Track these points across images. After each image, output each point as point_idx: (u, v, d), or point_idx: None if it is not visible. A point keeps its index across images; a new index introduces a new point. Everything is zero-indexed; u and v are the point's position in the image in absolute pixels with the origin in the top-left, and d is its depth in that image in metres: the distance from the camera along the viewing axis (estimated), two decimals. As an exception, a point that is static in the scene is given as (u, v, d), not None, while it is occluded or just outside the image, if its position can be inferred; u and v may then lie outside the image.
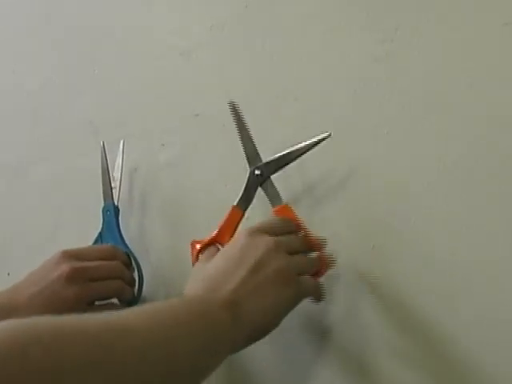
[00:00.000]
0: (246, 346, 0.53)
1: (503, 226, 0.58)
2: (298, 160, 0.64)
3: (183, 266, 0.69)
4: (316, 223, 0.65)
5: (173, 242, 0.75)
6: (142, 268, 0.72)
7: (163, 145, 0.77)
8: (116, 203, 0.73)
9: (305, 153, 0.64)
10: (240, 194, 0.65)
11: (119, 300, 0.68)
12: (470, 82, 0.61)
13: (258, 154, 0.66)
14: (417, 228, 0.62)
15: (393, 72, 0.65)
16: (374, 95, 0.66)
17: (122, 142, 0.75)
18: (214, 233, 0.64)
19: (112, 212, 0.73)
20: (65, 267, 0.63)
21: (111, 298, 0.67)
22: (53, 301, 0.62)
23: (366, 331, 0.62)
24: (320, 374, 0.63)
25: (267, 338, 0.54)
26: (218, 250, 0.63)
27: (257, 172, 0.65)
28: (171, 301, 0.51)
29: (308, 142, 0.63)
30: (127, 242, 0.73)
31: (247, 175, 0.65)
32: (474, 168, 0.60)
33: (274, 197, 0.64)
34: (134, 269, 0.71)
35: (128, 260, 0.70)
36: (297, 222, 0.62)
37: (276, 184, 0.65)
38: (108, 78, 0.84)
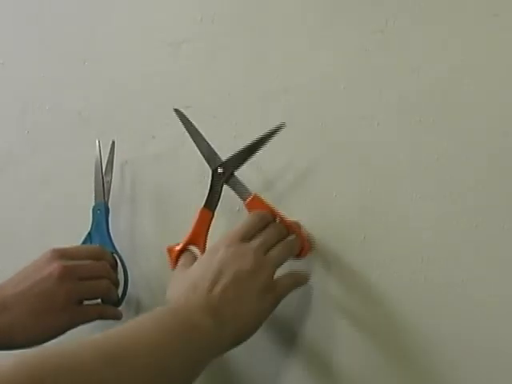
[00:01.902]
0: (229, 349, 0.55)
1: (495, 218, 0.59)
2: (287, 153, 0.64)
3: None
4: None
5: (162, 239, 0.74)
6: (130, 267, 0.72)
7: (154, 137, 0.77)
8: (107, 203, 0.73)
9: (262, 145, 0.65)
10: (206, 195, 0.65)
11: (104, 300, 0.68)
12: (461, 73, 0.62)
13: (215, 153, 0.66)
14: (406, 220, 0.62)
15: (383, 64, 0.65)
16: (364, 87, 0.66)
17: (112, 141, 0.75)
18: (187, 237, 0.65)
19: (103, 211, 0.73)
20: (56, 265, 0.63)
21: (99, 297, 0.68)
22: (42, 298, 0.61)
23: (356, 323, 0.63)
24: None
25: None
26: (194, 254, 0.65)
27: (219, 170, 0.65)
28: (156, 311, 0.52)
29: (264, 134, 0.65)
30: (116, 238, 0.73)
31: (210, 175, 0.66)
32: (467, 158, 0.60)
33: (241, 191, 0.65)
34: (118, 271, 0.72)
35: (114, 261, 0.71)
36: (270, 210, 0.63)
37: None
38: (98, 70, 0.83)
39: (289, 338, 0.66)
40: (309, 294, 0.65)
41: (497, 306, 0.58)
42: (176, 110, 0.68)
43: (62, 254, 0.65)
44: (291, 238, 0.63)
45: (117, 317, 0.68)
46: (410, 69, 0.64)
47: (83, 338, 0.48)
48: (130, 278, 0.72)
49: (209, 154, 0.67)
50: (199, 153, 0.67)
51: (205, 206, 0.65)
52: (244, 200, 0.65)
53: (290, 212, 0.66)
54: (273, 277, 0.58)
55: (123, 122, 0.80)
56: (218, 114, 0.74)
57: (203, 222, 0.65)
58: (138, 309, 0.74)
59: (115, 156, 0.76)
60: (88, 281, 0.65)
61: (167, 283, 0.61)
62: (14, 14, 0.91)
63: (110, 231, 0.73)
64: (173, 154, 0.76)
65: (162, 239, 0.74)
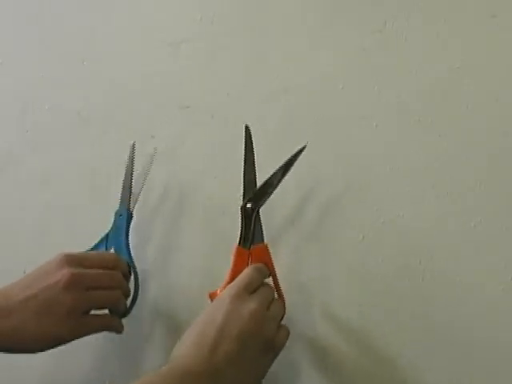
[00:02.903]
0: None
1: (495, 217, 0.59)
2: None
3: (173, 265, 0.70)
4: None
5: (161, 238, 0.74)
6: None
7: (153, 137, 0.77)
8: (131, 210, 0.71)
9: (288, 171, 0.63)
10: (239, 233, 0.63)
11: (111, 311, 0.66)
12: (459, 73, 0.62)
13: (255, 185, 0.64)
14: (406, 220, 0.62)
15: (382, 64, 0.65)
16: (363, 87, 0.66)
17: (132, 143, 0.73)
18: (227, 279, 0.62)
19: (125, 217, 0.70)
20: (65, 272, 0.61)
21: (107, 308, 0.65)
22: (46, 306, 0.59)
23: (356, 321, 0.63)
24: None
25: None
26: None
27: (248, 205, 0.64)
28: (159, 375, 0.51)
29: (287, 160, 0.63)
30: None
31: (240, 212, 0.64)
32: (466, 158, 0.61)
33: (257, 233, 0.63)
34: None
35: (128, 271, 0.68)
36: (269, 266, 0.62)
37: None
38: (97, 69, 0.83)
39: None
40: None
41: (496, 305, 0.58)
42: (246, 127, 0.65)
43: (73, 260, 0.63)
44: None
45: (118, 330, 0.66)
46: (409, 69, 0.64)
47: None
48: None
49: (249, 184, 0.64)
50: (242, 178, 0.65)
51: (241, 244, 0.63)
52: (255, 243, 0.63)
53: (289, 212, 0.66)
54: (274, 334, 0.57)
55: (123, 121, 0.80)
56: (216, 114, 0.74)
57: (242, 262, 0.62)
58: (152, 320, 0.73)
59: (114, 155, 0.75)
60: (96, 290, 0.63)
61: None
62: (14, 14, 0.91)
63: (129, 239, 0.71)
64: (171, 154, 0.76)
65: (160, 238, 0.74)
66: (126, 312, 0.67)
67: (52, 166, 0.82)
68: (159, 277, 0.71)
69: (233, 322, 0.55)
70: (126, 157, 0.75)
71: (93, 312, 0.63)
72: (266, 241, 0.62)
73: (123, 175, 0.72)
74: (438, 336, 0.60)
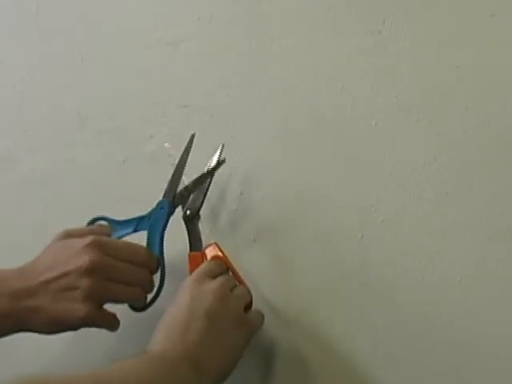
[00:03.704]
0: None
1: (494, 217, 0.59)
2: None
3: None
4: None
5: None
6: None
7: (152, 136, 0.77)
8: (175, 205, 0.67)
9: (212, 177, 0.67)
10: (188, 241, 0.66)
11: (129, 305, 0.64)
12: (458, 73, 0.62)
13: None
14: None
15: (381, 63, 0.65)
16: (361, 87, 0.66)
17: (220, 145, 0.68)
18: None
19: (166, 210, 0.66)
20: (87, 258, 0.59)
21: (124, 303, 0.63)
22: (65, 290, 0.59)
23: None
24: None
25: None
26: None
27: (187, 213, 0.67)
28: (135, 359, 0.52)
29: (208, 170, 0.67)
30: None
31: (183, 221, 0.66)
32: (465, 157, 0.61)
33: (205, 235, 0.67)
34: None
35: (157, 269, 0.65)
36: (224, 261, 0.64)
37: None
38: (96, 68, 0.83)
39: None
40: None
41: (495, 304, 0.58)
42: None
43: (101, 246, 0.60)
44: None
45: (112, 329, 0.65)
46: (408, 69, 0.64)
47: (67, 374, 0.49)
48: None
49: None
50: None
51: (192, 249, 0.66)
52: (202, 246, 0.66)
53: (288, 209, 0.66)
54: (242, 312, 0.59)
55: (121, 121, 0.80)
56: (215, 114, 0.74)
57: (198, 265, 0.63)
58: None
59: (112, 154, 0.75)
60: (117, 284, 0.61)
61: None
62: (12, 13, 0.91)
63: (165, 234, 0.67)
64: (170, 153, 0.76)
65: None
66: (144, 307, 0.64)
67: (51, 166, 0.82)
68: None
69: (198, 303, 0.57)
70: (124, 156, 0.75)
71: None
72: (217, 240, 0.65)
73: (122, 175, 0.72)
74: (438, 336, 0.60)
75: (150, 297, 0.64)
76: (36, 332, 0.61)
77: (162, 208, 0.66)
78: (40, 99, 0.85)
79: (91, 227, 0.68)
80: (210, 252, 0.65)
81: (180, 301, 0.58)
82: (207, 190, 0.67)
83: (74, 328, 0.61)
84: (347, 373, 0.62)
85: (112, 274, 0.60)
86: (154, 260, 0.64)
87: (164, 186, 0.75)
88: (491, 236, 0.59)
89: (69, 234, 0.64)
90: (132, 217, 0.67)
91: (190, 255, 0.65)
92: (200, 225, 0.67)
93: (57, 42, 0.87)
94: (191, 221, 0.67)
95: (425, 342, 0.60)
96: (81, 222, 0.75)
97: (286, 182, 0.68)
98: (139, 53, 0.81)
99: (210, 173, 0.67)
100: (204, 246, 0.66)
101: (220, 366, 0.56)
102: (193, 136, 0.68)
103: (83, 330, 0.61)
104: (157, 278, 0.65)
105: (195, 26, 0.77)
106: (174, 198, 0.67)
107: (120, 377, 0.50)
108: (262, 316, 0.62)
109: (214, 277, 0.61)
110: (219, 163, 0.67)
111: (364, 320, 0.62)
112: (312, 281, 0.65)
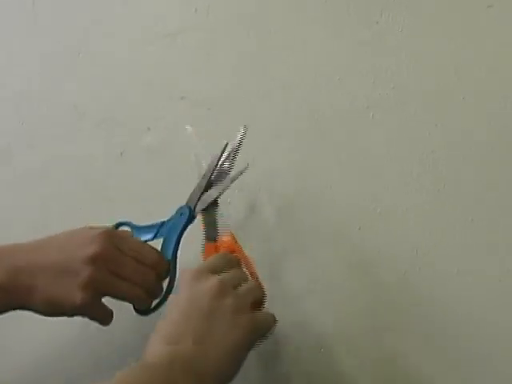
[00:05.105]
0: None
1: (491, 210, 0.59)
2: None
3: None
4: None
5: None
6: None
7: (149, 128, 0.77)
8: (194, 210, 0.65)
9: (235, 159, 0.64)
10: (203, 232, 0.64)
11: (134, 306, 0.63)
12: (455, 63, 0.62)
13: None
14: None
15: (378, 55, 0.65)
16: (359, 79, 0.66)
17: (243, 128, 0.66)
18: None
19: (185, 217, 0.65)
20: (94, 248, 0.58)
21: (125, 300, 0.62)
22: (65, 273, 0.58)
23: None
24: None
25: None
26: None
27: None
28: (134, 368, 0.49)
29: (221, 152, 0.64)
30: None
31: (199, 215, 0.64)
32: (463, 150, 0.61)
33: (222, 225, 0.64)
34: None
35: (166, 273, 0.63)
36: (238, 253, 0.61)
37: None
38: (93, 61, 0.83)
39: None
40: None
41: (492, 296, 0.58)
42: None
43: (112, 238, 0.60)
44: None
45: (104, 323, 0.62)
46: (406, 60, 0.64)
47: None
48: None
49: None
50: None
51: (207, 239, 0.63)
52: (219, 236, 0.63)
53: (285, 201, 0.67)
54: (246, 309, 0.54)
55: (119, 113, 0.80)
56: (212, 106, 0.74)
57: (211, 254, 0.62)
58: None
59: (110, 146, 0.75)
60: (120, 280, 0.60)
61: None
62: (9, 7, 0.90)
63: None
64: (168, 145, 0.76)
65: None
66: (146, 311, 0.63)
67: (48, 160, 0.82)
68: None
69: (194, 303, 0.53)
70: (122, 149, 0.75)
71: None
72: (232, 231, 0.62)
73: (120, 168, 0.72)
74: (434, 328, 0.60)
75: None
76: (33, 311, 0.60)
77: (181, 214, 0.65)
78: (37, 93, 0.85)
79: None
80: (223, 243, 0.62)
81: (176, 302, 0.55)
82: (229, 181, 0.64)
83: (69, 314, 0.60)
84: (346, 373, 0.63)
85: (117, 268, 0.59)
86: (164, 264, 0.62)
87: (162, 177, 0.75)
88: (488, 228, 0.59)
89: (90, 227, 0.63)
90: (154, 222, 0.66)
91: (204, 246, 0.63)
92: (217, 214, 0.64)
93: (54, 35, 0.87)
94: (207, 209, 0.64)
95: (422, 333, 0.60)
96: (79, 216, 0.75)
97: (284, 176, 0.68)
98: (136, 45, 0.80)
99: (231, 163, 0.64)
100: (219, 236, 0.63)
101: (222, 368, 0.51)
102: (226, 145, 0.65)
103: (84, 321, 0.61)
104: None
105: (192, 18, 0.77)
106: (196, 204, 0.65)
107: None
108: (273, 317, 0.57)
109: (218, 273, 0.56)
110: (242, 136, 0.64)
111: (360, 310, 0.63)
112: (310, 275, 0.65)
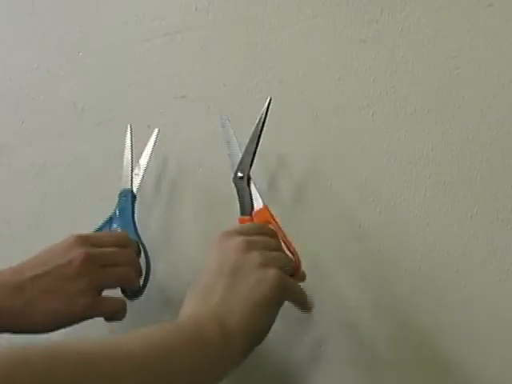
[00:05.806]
0: (245, 357, 0.51)
1: (490, 208, 0.59)
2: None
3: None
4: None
5: (160, 230, 0.74)
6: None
7: (148, 126, 0.77)
8: (135, 190, 0.71)
9: (262, 130, 0.63)
10: (239, 204, 0.63)
11: (124, 291, 0.66)
12: (455, 62, 0.62)
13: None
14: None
15: (378, 53, 0.65)
16: (359, 77, 0.66)
17: (156, 130, 0.73)
18: None
19: (129, 198, 0.70)
20: (79, 252, 0.61)
21: (121, 285, 0.65)
22: (60, 284, 0.59)
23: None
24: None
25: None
26: None
27: (239, 174, 0.64)
28: (163, 325, 0.49)
29: (259, 119, 0.63)
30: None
31: (233, 183, 0.64)
32: (462, 148, 0.61)
33: (255, 198, 0.63)
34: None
35: (138, 249, 0.68)
36: (272, 225, 0.60)
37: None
38: (92, 59, 0.83)
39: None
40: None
41: (492, 294, 0.58)
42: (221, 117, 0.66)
43: (85, 241, 0.63)
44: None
45: (120, 316, 0.64)
46: (406, 59, 0.64)
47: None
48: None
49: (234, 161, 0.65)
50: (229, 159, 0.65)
51: (242, 213, 0.63)
52: (254, 209, 0.62)
53: (286, 200, 0.66)
54: (273, 265, 0.53)
55: (118, 111, 0.80)
56: (212, 105, 0.74)
57: None
58: (164, 301, 0.73)
59: (110, 145, 0.75)
60: (110, 268, 0.63)
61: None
62: (9, 4, 0.90)
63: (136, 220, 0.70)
64: (167, 144, 0.76)
65: (160, 230, 0.74)
66: (138, 292, 0.66)
67: (48, 157, 0.82)
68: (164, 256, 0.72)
69: (221, 260, 0.54)
70: (120, 147, 0.74)
71: (105, 293, 0.63)
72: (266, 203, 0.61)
73: (121, 165, 0.72)
74: (434, 328, 0.60)
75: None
76: (33, 332, 0.59)
77: (124, 196, 0.70)
78: (37, 90, 0.85)
79: None
80: (259, 216, 0.61)
81: (206, 263, 0.55)
82: (256, 149, 0.64)
83: (75, 321, 0.60)
84: (344, 371, 0.63)
85: (104, 260, 0.62)
86: (133, 241, 0.68)
87: (160, 176, 0.75)
88: (489, 225, 0.59)
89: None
90: (104, 220, 0.70)
91: (239, 219, 0.63)
92: (252, 187, 0.63)
93: (53, 33, 0.87)
94: (241, 183, 0.63)
95: (423, 331, 0.60)
96: (78, 214, 0.75)
97: (283, 172, 0.68)
98: (136, 44, 0.80)
99: (260, 132, 0.64)
100: (255, 209, 0.62)
101: (250, 324, 0.50)
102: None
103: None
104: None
105: (192, 16, 0.77)
106: (132, 182, 0.70)
107: (141, 343, 0.45)
108: (301, 290, 0.57)
109: (247, 235, 0.56)
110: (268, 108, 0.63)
111: (361, 308, 0.63)
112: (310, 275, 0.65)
